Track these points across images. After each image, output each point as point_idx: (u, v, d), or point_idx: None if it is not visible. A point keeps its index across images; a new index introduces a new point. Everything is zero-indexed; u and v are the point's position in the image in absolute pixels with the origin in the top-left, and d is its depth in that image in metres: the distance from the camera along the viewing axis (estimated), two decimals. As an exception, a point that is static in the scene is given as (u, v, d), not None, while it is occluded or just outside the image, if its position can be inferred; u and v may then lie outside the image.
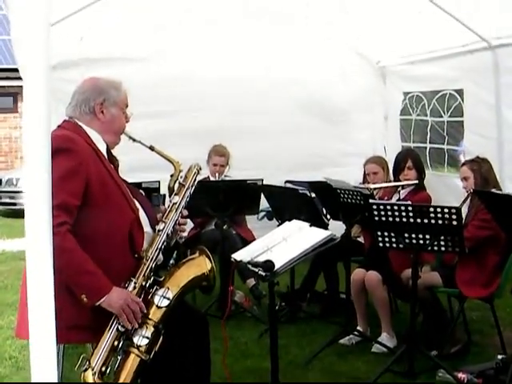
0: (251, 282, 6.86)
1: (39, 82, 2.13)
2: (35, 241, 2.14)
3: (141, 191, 4.10)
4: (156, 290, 3.46)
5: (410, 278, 5.22)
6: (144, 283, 3.42)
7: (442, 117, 8.44)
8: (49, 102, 2.14)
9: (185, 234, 3.90)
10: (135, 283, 3.39)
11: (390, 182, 6.51)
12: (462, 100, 7.89)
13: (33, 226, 2.14)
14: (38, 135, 2.13)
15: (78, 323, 3.25)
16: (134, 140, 3.71)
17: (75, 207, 3.26)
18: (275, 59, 8.88)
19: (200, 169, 3.90)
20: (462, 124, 8.00)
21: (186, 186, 3.75)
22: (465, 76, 7.71)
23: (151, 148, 3.74)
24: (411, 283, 5.17)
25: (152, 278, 3.46)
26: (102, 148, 3.58)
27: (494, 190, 5.40)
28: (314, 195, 6.69)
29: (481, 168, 5.62)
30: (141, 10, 8.16)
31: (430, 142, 8.73)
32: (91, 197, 3.32)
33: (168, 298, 3.44)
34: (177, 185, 3.76)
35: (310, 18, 8.41)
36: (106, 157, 3.59)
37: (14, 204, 14.81)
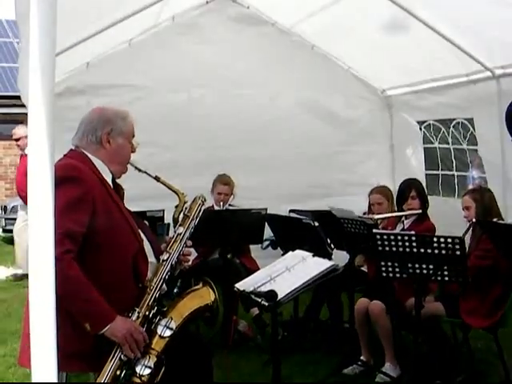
0: (255, 311, 6.84)
1: (43, 111, 2.15)
2: (38, 268, 2.15)
3: (145, 221, 4.13)
4: (159, 319, 3.46)
5: (413, 307, 5.21)
6: (147, 313, 3.43)
7: (461, 144, 8.48)
8: (53, 131, 2.16)
9: (189, 263, 3.91)
10: (139, 313, 3.40)
11: (395, 211, 6.50)
12: (474, 129, 7.92)
13: (36, 253, 2.15)
14: (41, 163, 2.14)
15: (81, 352, 3.26)
16: (140, 170, 3.74)
17: (80, 235, 3.27)
18: (279, 90, 8.96)
19: (205, 200, 3.92)
20: (477, 152, 8.05)
21: (191, 217, 3.77)
22: (471, 105, 7.77)
23: (157, 178, 3.77)
24: (415, 313, 5.15)
25: (155, 308, 3.47)
26: (108, 178, 3.60)
27: (495, 220, 5.41)
28: (317, 224, 6.70)
29: (483, 198, 5.63)
30: (145, 39, 8.30)
31: (456, 170, 8.75)
32: (96, 226, 3.33)
33: (171, 329, 3.44)
34: (182, 216, 3.78)
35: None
36: (112, 186, 3.62)
37: (20, 231, 14.78)
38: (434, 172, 9.07)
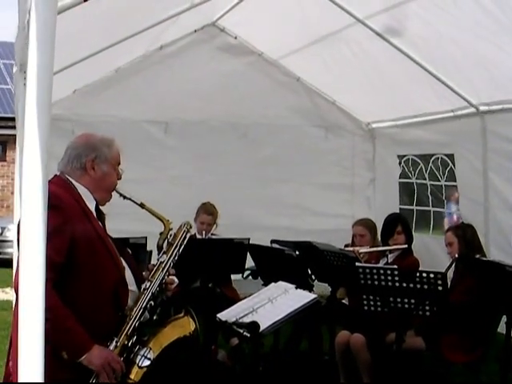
0: (234, 341, 6.78)
1: (40, 133, 2.12)
2: (28, 293, 2.12)
3: (128, 249, 4.08)
4: (138, 349, 3.42)
5: (394, 341, 5.19)
6: (126, 342, 3.39)
7: (439, 181, 8.51)
8: (46, 154, 2.14)
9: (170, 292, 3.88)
10: (117, 342, 3.36)
11: (378, 245, 6.50)
12: (454, 165, 7.95)
13: (27, 277, 2.12)
14: (35, 187, 2.12)
15: (57, 378, 3.21)
16: (125, 197, 3.71)
17: (59, 264, 3.22)
18: (262, 121, 9.03)
19: (190, 227, 3.88)
20: (457, 188, 8.09)
21: (175, 245, 3.73)
22: (454, 141, 7.82)
23: (142, 205, 3.74)
24: (395, 347, 5.13)
25: (135, 337, 3.44)
26: (91, 205, 3.55)
27: (478, 256, 5.42)
28: (298, 254, 6.68)
29: (465, 234, 5.66)
30: (133, 67, 8.32)
31: (432, 206, 8.78)
32: (76, 255, 3.29)
33: (149, 359, 3.40)
34: (166, 243, 3.74)
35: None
36: (95, 214, 3.58)
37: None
38: (409, 207, 9.10)
